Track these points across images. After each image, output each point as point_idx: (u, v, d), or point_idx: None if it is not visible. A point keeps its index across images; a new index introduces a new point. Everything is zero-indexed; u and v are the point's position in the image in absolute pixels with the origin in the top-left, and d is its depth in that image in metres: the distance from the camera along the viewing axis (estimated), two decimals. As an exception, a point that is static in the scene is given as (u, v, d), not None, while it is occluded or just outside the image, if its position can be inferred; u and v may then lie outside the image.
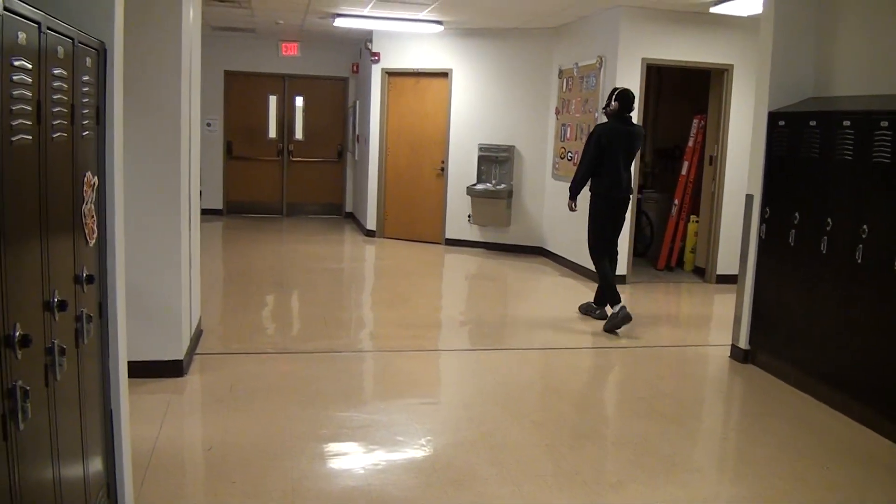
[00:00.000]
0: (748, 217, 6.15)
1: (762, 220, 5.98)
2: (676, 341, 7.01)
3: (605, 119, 7.38)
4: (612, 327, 6.91)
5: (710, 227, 9.26)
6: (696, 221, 9.58)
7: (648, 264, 10.05)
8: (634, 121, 7.49)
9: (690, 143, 9.59)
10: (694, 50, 8.82)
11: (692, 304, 8.68)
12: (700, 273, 9.50)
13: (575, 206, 7.40)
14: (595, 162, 7.02)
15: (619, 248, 7.52)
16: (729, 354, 6.29)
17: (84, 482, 2.57)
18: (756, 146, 6.10)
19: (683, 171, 9.68)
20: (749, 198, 6.15)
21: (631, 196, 7.40)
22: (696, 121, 9.54)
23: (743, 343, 6.16)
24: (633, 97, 7.10)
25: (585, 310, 7.59)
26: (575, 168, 7.54)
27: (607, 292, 7.12)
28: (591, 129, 7.35)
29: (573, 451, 4.35)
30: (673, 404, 5.24)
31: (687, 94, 10.25)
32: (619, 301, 6.98)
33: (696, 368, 6.19)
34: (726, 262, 8.95)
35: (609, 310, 7.10)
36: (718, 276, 9.15)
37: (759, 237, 6.01)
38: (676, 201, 9.75)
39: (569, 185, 7.42)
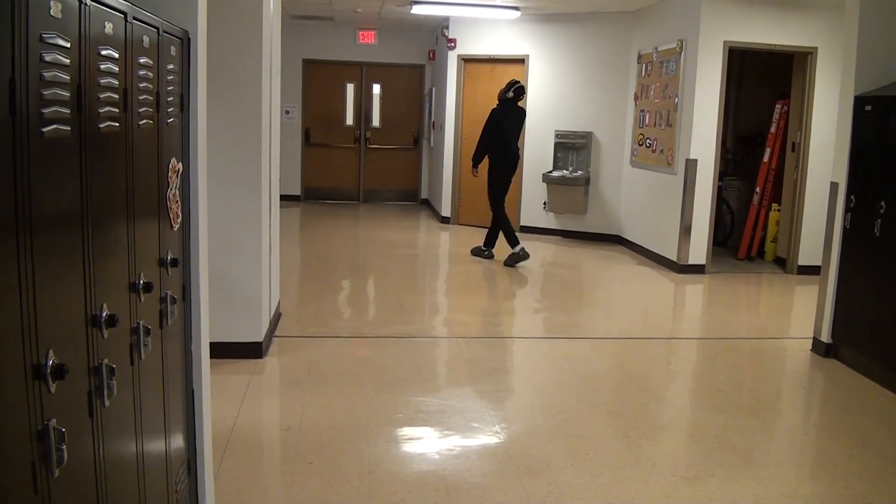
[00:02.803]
0: (832, 206, 5.96)
1: (847, 209, 5.79)
2: (756, 333, 6.86)
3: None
4: (512, 262, 8.96)
5: (793, 216, 9.01)
6: (778, 210, 9.32)
7: (729, 254, 9.84)
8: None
9: (773, 130, 9.33)
10: (777, 32, 8.56)
11: (772, 296, 8.47)
12: (781, 263, 9.26)
13: (476, 173, 9.21)
14: (494, 138, 8.92)
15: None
16: (810, 348, 6.11)
17: (166, 458, 2.64)
18: (841, 132, 5.90)
19: (765, 158, 9.43)
20: (833, 186, 5.95)
21: (519, 160, 9.29)
22: (778, 106, 9.28)
23: (825, 336, 5.97)
24: (525, 89, 9.35)
25: (476, 252, 9.30)
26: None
27: (508, 237, 9.04)
28: (490, 114, 9.09)
29: (650, 442, 4.30)
30: (752, 398, 5.13)
31: (769, 78, 9.97)
32: (518, 242, 9.00)
33: (775, 361, 6.04)
34: (809, 252, 8.70)
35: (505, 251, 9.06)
36: (800, 266, 8.91)
37: (844, 227, 5.82)
38: (758, 189, 9.51)
39: (472, 156, 9.23)
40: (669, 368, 5.88)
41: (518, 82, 9.12)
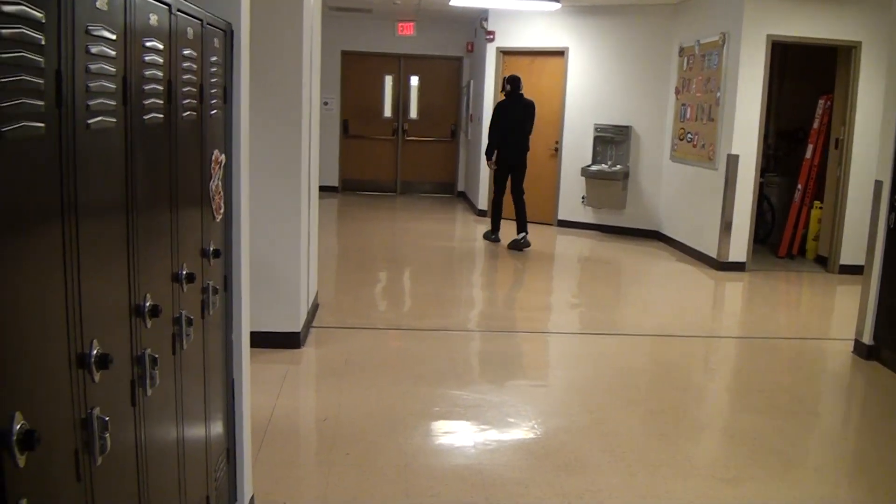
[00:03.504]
0: (877, 204, 5.84)
1: (891, 207, 5.66)
2: (796, 333, 6.76)
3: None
4: (486, 237, 9.83)
5: (835, 214, 8.85)
6: (820, 208, 9.16)
7: (769, 251, 9.70)
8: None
9: (815, 125, 9.17)
10: (820, 26, 8.40)
11: (813, 295, 8.34)
12: (822, 262, 9.10)
13: (492, 164, 9.58)
14: (497, 128, 9.36)
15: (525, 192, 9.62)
16: (851, 350, 5.98)
17: (206, 446, 2.66)
18: (886, 129, 5.77)
19: (808, 155, 9.27)
20: (878, 184, 5.83)
21: (526, 150, 9.47)
22: (821, 101, 9.11)
23: (867, 338, 5.85)
24: (519, 78, 9.48)
25: (514, 245, 9.41)
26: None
27: (493, 222, 9.72)
28: (495, 107, 9.74)
29: (688, 442, 4.26)
30: (791, 399, 5.05)
31: (812, 72, 9.80)
32: (497, 231, 9.71)
33: (816, 363, 5.95)
34: (851, 251, 8.54)
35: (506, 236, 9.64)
36: (841, 266, 8.74)
37: (888, 226, 5.69)
38: (800, 186, 9.36)
39: (485, 151, 9.72)
40: (708, 367, 5.82)
41: (508, 75, 9.66)
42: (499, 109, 9.48)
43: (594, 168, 10.73)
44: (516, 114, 9.36)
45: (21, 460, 1.22)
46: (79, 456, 1.51)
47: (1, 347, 1.18)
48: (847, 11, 8.41)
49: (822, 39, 8.48)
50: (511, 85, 9.42)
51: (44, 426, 1.28)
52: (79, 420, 1.50)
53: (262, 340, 4.95)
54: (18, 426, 1.21)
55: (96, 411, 1.56)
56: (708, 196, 9.00)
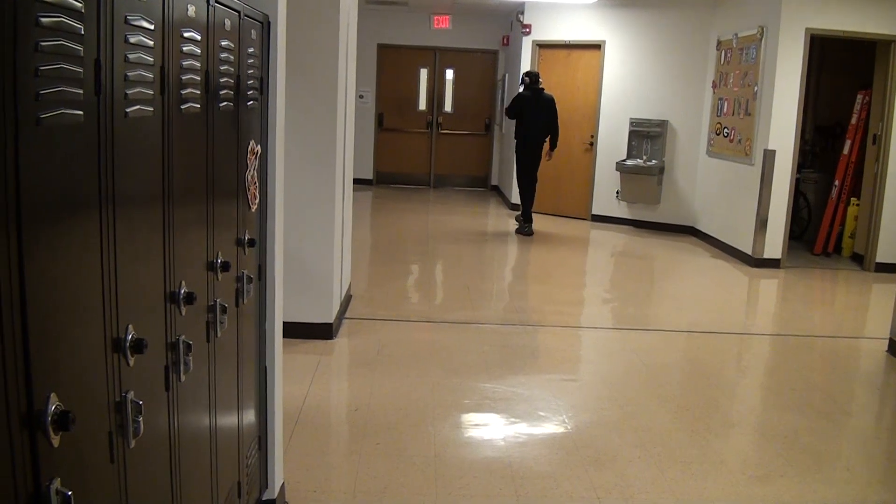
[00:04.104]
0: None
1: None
2: (830, 332, 6.67)
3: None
4: (520, 232, 9.95)
5: (872, 211, 8.71)
6: (857, 204, 9.03)
7: (804, 248, 9.58)
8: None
9: (853, 121, 9.03)
10: (859, 19, 8.26)
11: (849, 293, 8.22)
12: (858, 260, 8.96)
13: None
14: (512, 111, 9.83)
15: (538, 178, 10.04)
16: (886, 349, 5.89)
17: (238, 433, 2.69)
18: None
19: (845, 151, 9.14)
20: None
21: (543, 140, 9.77)
22: (859, 96, 8.97)
23: (903, 337, 5.77)
24: (537, 73, 9.95)
25: (518, 230, 10.00)
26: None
27: (527, 211, 9.92)
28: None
29: (719, 438, 4.23)
30: (824, 398, 4.99)
31: (850, 67, 9.64)
32: (531, 221, 9.95)
33: (849, 362, 5.87)
34: (888, 249, 8.42)
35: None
36: (878, 263, 8.60)
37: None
38: (837, 182, 9.23)
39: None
40: (741, 364, 5.77)
41: (527, 71, 10.13)
42: (518, 99, 9.80)
43: (629, 163, 10.66)
44: (533, 107, 9.65)
45: (55, 440, 1.24)
46: (113, 438, 1.53)
47: (39, 330, 1.21)
48: (886, 5, 8.27)
49: (860, 33, 8.35)
50: (529, 78, 9.76)
51: (78, 408, 1.30)
52: (113, 403, 1.53)
53: (295, 331, 5.00)
54: (53, 407, 1.23)
55: (130, 395, 1.58)
56: (744, 192, 8.91)
